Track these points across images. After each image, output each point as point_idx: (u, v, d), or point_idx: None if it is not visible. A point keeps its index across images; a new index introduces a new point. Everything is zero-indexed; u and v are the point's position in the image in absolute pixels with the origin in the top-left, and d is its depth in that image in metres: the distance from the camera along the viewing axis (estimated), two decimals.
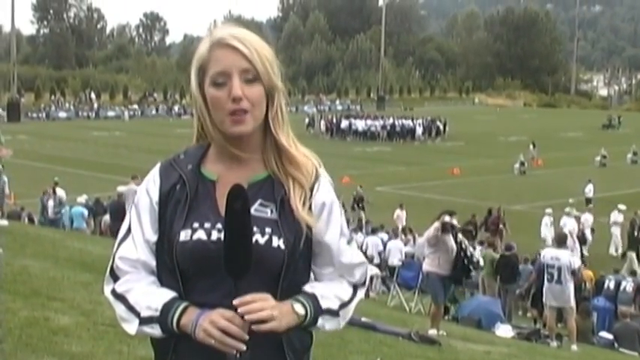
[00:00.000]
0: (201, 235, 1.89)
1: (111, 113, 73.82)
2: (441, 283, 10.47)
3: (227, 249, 1.79)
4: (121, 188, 18.49)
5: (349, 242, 2.02)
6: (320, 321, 1.93)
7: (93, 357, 5.08)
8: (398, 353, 8.01)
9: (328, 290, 1.96)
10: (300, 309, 1.88)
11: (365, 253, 19.05)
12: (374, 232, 20.94)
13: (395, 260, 18.17)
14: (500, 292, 16.95)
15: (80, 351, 5.28)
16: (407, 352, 8.19)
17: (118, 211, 16.92)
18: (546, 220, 23.68)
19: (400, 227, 22.31)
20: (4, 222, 13.51)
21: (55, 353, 5.15)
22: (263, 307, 1.78)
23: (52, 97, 78.04)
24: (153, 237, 1.95)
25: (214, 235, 1.88)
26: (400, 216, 24.76)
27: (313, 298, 1.92)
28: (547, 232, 23.32)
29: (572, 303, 11.96)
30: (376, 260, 19.02)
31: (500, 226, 23.62)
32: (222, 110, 1.89)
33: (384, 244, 19.56)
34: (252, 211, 1.86)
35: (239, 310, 1.77)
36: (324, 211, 1.97)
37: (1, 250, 9.55)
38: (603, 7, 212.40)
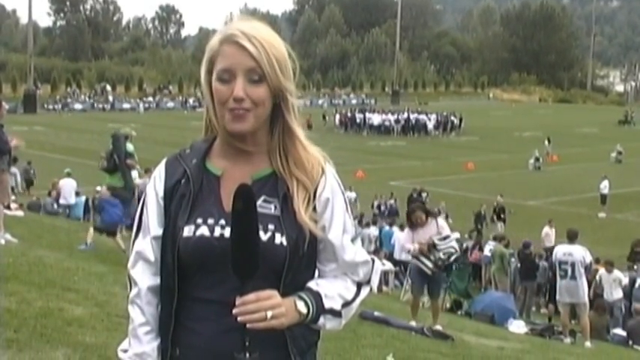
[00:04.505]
0: (204, 231, 1.87)
1: (126, 105, 74.11)
2: (419, 276, 10.36)
3: (234, 250, 1.75)
4: (136, 181, 18.54)
5: (353, 240, 1.98)
6: (321, 320, 1.90)
7: (107, 348, 5.10)
8: (410, 348, 8.00)
9: (332, 289, 1.92)
10: (302, 307, 1.85)
11: (380, 248, 19.21)
12: (390, 226, 21.07)
13: (407, 255, 18.13)
14: (517, 289, 16.93)
15: (94, 342, 5.31)
16: (419, 347, 8.19)
17: None
18: None
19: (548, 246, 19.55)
20: (20, 213, 13.64)
21: (69, 344, 5.18)
22: (260, 307, 1.74)
23: (68, 88, 78.35)
24: (159, 231, 1.94)
25: (217, 232, 1.86)
26: (549, 234, 21.56)
27: (317, 297, 1.88)
28: None
29: (586, 299, 11.91)
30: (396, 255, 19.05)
31: None
32: (223, 105, 1.87)
33: (396, 239, 19.56)
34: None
35: (234, 312, 1.74)
36: (328, 207, 1.93)
37: (16, 240, 9.64)
38: (621, 2, 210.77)
